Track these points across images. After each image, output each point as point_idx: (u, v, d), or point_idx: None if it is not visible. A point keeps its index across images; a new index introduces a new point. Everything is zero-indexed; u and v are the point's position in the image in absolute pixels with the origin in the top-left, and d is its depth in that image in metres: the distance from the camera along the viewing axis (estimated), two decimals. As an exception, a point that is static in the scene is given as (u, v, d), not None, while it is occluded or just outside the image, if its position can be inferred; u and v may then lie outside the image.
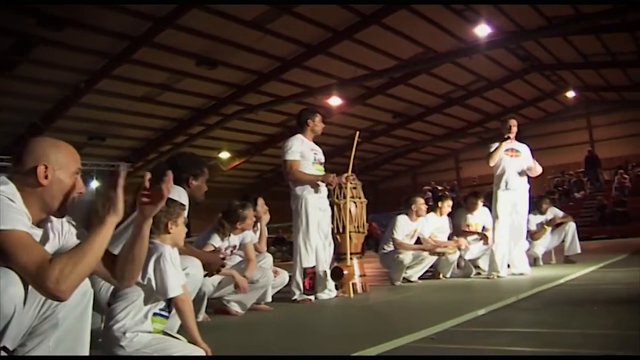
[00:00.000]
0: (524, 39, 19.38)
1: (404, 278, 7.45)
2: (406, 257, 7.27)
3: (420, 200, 7.75)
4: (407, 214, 7.69)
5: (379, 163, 32.98)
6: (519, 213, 7.42)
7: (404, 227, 7.61)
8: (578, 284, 6.19)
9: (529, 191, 7.53)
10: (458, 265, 7.98)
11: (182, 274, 3.06)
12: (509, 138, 7.35)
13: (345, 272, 5.96)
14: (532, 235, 8.83)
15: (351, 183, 6.44)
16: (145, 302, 2.89)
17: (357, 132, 6.66)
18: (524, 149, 7.59)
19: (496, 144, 7.43)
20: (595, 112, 28.37)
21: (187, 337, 2.97)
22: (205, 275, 4.01)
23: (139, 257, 2.35)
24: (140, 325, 2.85)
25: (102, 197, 2.13)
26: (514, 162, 7.43)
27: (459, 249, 7.85)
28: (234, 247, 5.29)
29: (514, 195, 7.37)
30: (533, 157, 7.62)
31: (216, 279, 4.71)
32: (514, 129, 7.47)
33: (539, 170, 7.52)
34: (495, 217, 7.44)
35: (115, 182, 2.15)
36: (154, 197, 2.26)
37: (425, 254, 7.54)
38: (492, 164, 7.38)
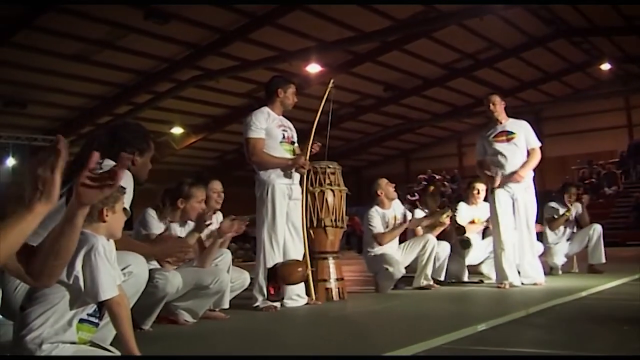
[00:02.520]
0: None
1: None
2: (396, 269, 7.23)
3: (384, 182, 7.79)
4: (377, 204, 7.72)
5: (366, 145, 32.95)
6: (521, 211, 7.33)
7: (380, 219, 7.61)
8: (603, 298, 6.27)
9: (533, 180, 7.46)
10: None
11: (118, 272, 3.05)
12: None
13: (287, 272, 5.85)
14: (549, 224, 8.90)
15: (320, 157, 6.51)
16: (71, 306, 2.84)
17: (331, 80, 6.74)
18: (519, 127, 7.51)
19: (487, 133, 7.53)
20: (637, 90, 28.03)
21: (122, 349, 2.95)
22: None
23: (66, 252, 2.26)
24: (61, 334, 2.79)
25: (33, 177, 1.97)
26: (509, 148, 7.38)
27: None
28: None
29: (512, 189, 7.32)
30: (536, 134, 7.58)
31: (182, 280, 4.70)
32: (499, 108, 7.46)
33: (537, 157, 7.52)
34: (494, 217, 7.41)
35: (55, 161, 1.98)
36: (103, 180, 2.10)
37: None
38: None
